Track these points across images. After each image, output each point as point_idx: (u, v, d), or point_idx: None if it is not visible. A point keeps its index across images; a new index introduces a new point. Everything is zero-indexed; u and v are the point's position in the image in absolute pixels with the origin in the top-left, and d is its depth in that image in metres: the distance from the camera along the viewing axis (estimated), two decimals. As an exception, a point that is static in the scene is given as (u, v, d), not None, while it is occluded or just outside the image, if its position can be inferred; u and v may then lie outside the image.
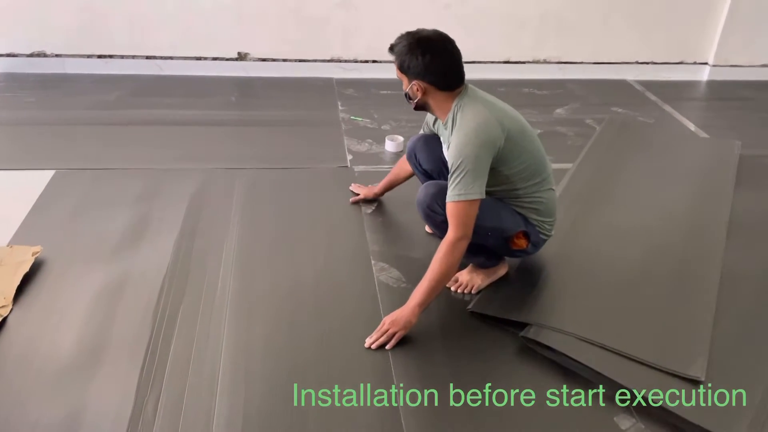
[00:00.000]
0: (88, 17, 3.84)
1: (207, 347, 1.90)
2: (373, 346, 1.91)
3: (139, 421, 1.65)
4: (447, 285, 2.18)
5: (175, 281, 2.17)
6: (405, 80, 1.99)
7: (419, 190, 2.09)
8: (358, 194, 2.71)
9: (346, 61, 4.15)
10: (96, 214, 2.55)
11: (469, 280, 2.19)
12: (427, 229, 2.50)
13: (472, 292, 2.18)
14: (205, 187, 2.78)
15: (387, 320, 1.95)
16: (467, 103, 1.94)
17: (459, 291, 2.19)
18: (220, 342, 1.93)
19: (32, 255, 2.21)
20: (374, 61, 4.16)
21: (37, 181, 2.75)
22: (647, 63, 4.38)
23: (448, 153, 1.96)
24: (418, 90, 1.96)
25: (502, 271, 2.23)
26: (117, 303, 2.07)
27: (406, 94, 2.01)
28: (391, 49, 1.98)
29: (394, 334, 1.92)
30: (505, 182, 2.01)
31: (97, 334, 1.94)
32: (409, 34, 1.95)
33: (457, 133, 1.91)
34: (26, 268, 2.15)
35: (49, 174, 2.82)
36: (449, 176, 1.91)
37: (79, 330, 1.95)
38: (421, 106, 2.02)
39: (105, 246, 2.35)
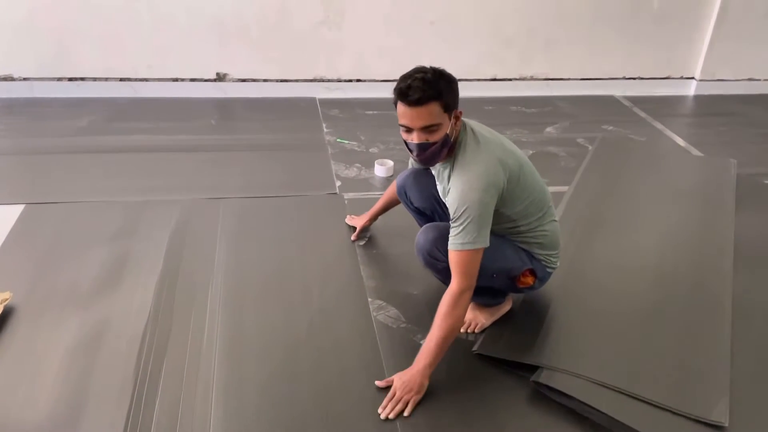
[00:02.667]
0: (57, 38, 3.66)
1: (195, 405, 1.75)
2: (391, 416, 1.74)
3: (122, 493, 1.50)
4: None
5: (158, 329, 2.02)
6: (446, 120, 1.74)
7: (418, 234, 1.95)
8: (355, 227, 2.57)
9: (329, 80, 4.03)
10: (70, 253, 2.38)
11: (473, 318, 2.07)
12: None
13: (476, 331, 2.06)
14: (186, 220, 2.62)
15: (397, 384, 1.79)
16: (467, 142, 1.81)
17: (462, 330, 2.07)
18: (210, 398, 1.77)
19: (1, 303, 2.04)
20: (359, 80, 4.05)
21: (5, 217, 2.57)
22: (634, 78, 4.34)
23: (450, 197, 1.80)
24: (458, 123, 1.80)
25: (506, 307, 2.11)
26: (96, 355, 1.90)
27: (446, 138, 1.75)
28: (431, 91, 1.68)
29: (408, 401, 1.77)
30: (508, 221, 1.90)
31: (75, 391, 1.77)
32: (419, 71, 1.74)
33: (459, 177, 1.77)
34: (-6, 318, 1.98)
35: (18, 209, 2.64)
36: (452, 222, 1.77)
37: (55, 386, 1.78)
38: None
39: (80, 290, 2.18)
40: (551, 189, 3.01)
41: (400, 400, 1.76)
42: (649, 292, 2.22)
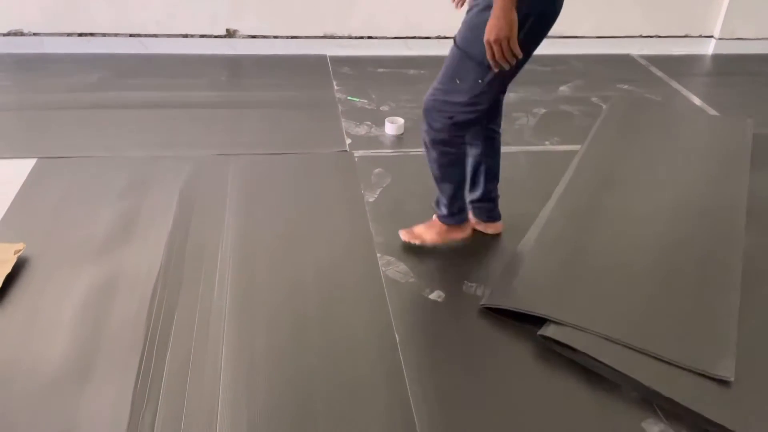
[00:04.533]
0: (67, -7, 3.63)
1: (206, 354, 1.78)
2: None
3: (135, 437, 1.54)
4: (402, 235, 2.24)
5: (169, 281, 2.04)
6: None
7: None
8: None
9: (340, 37, 3.96)
10: (81, 207, 2.40)
11: (421, 233, 2.21)
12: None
13: (417, 243, 2.21)
14: (196, 176, 2.63)
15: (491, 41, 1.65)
16: None
17: (405, 239, 2.22)
18: (220, 347, 1.80)
19: (14, 254, 2.06)
20: (370, 37, 3.98)
21: (18, 171, 2.59)
22: (651, 37, 4.23)
23: None
24: None
25: (456, 234, 2.21)
26: (107, 306, 1.93)
27: None
28: None
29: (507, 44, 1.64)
30: None
31: (87, 340, 1.81)
32: None
33: None
34: (8, 269, 2.01)
35: (30, 163, 2.65)
36: None
37: (67, 336, 1.82)
38: None
39: (92, 243, 2.20)
40: (564, 147, 3.02)
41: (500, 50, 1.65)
42: (660, 250, 2.20)
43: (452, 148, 1.99)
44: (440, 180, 2.08)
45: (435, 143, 1.98)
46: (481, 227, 2.31)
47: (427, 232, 2.21)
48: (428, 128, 1.96)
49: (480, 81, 1.81)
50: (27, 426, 1.56)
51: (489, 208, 2.28)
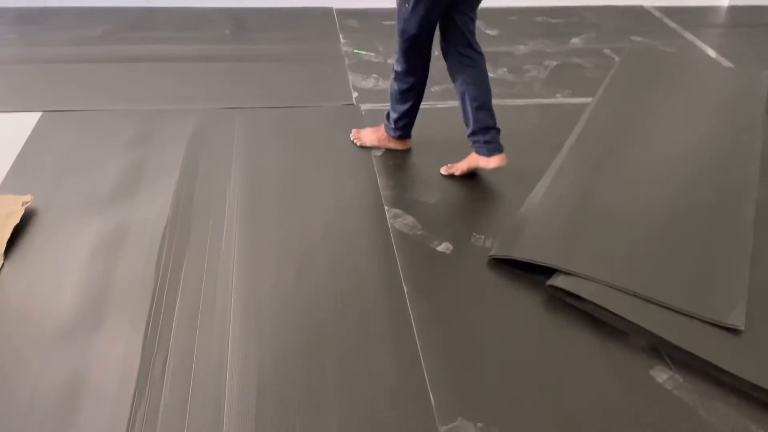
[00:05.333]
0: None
1: (215, 302, 1.79)
2: None
3: (146, 382, 1.55)
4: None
5: (177, 231, 2.04)
6: None
7: None
8: None
9: (346, -11, 3.88)
10: (88, 159, 2.39)
11: (365, 135, 2.50)
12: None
13: (357, 144, 2.50)
14: (202, 129, 2.60)
15: None
16: None
17: (352, 138, 2.52)
18: (229, 296, 1.81)
19: (22, 205, 2.06)
20: (377, -10, 3.89)
21: (23, 124, 2.57)
22: (666, -13, 4.12)
23: None
24: None
25: (394, 145, 2.47)
26: (116, 255, 1.93)
27: None
28: None
29: None
30: None
31: (97, 289, 1.81)
32: None
33: None
34: (16, 220, 2.01)
35: (35, 116, 2.63)
36: None
37: (77, 285, 1.82)
38: None
39: (100, 194, 2.20)
40: (575, 100, 2.97)
41: None
42: (672, 200, 2.17)
43: (409, 77, 2.27)
44: (394, 102, 2.37)
45: (398, 72, 2.27)
46: (483, 162, 2.29)
47: (370, 135, 2.51)
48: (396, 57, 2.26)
49: (406, 4, 2.08)
50: (39, 371, 1.57)
51: (485, 140, 2.25)
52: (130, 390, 1.53)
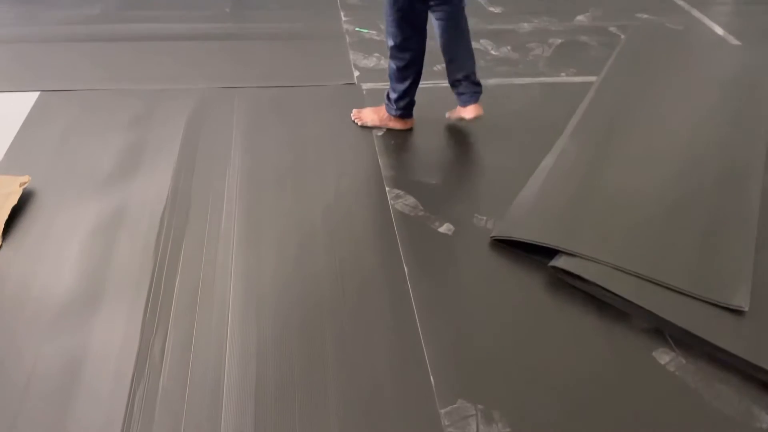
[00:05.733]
0: None
1: (214, 282, 1.78)
2: None
3: (145, 364, 1.54)
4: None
5: (176, 212, 2.02)
6: None
7: None
8: None
9: (348, -34, 3.81)
10: (87, 139, 2.37)
11: (366, 115, 2.47)
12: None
13: (358, 124, 2.47)
14: (202, 109, 2.57)
15: None
16: None
17: (353, 118, 2.49)
18: (228, 276, 1.80)
19: (20, 186, 2.05)
20: (379, -34, 3.82)
21: (21, 104, 2.55)
22: (674, -37, 4.03)
23: None
24: None
25: (396, 124, 2.44)
26: (115, 237, 1.92)
27: None
28: None
29: None
30: None
31: (96, 270, 1.80)
32: None
33: None
34: (15, 200, 1.99)
35: (33, 96, 2.61)
36: None
37: (76, 267, 1.81)
38: None
39: (98, 175, 2.18)
40: (580, 79, 2.92)
41: None
42: (676, 180, 2.14)
43: (405, 53, 2.24)
44: (393, 81, 2.34)
45: (393, 48, 2.25)
46: (456, 113, 2.40)
47: (371, 115, 2.48)
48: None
49: None
50: (37, 352, 1.57)
51: (458, 92, 2.36)
52: (129, 371, 1.53)
